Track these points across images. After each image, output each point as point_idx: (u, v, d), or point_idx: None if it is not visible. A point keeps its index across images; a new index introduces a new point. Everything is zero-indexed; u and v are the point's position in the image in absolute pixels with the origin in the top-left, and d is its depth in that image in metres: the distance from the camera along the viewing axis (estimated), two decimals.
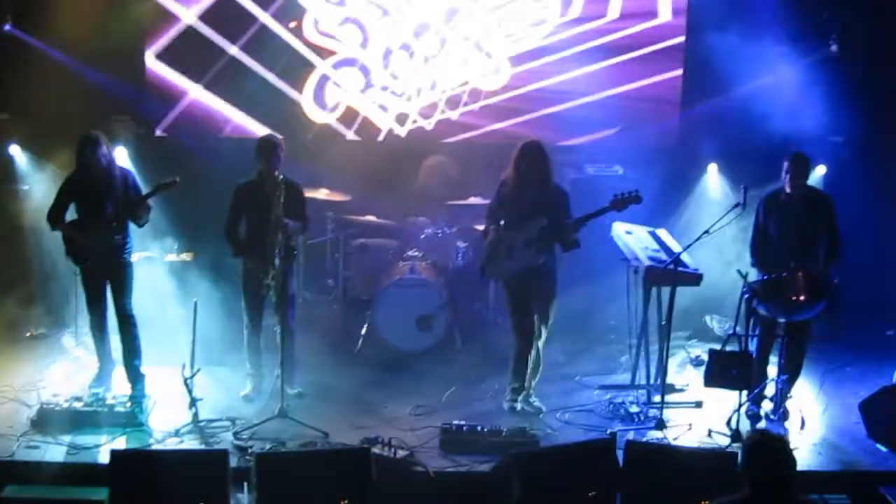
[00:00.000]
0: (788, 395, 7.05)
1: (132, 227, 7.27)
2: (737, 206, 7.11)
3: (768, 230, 7.20)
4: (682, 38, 9.40)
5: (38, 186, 8.68)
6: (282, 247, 7.01)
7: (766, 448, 4.33)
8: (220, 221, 7.31)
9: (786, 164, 7.09)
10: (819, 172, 9.13)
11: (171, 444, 6.45)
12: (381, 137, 9.61)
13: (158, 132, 9.46)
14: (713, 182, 9.48)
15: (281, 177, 7.10)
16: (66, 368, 7.90)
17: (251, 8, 9.26)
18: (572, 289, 8.85)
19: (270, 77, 9.36)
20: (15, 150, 9.03)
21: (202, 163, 9.00)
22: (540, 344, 7.28)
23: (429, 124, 9.59)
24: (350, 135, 9.59)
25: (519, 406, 7.23)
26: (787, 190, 7.10)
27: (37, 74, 8.99)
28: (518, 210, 7.10)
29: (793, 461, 4.32)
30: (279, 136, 7.28)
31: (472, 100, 9.54)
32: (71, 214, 7.25)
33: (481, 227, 7.64)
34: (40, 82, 8.95)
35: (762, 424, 6.85)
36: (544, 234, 7.03)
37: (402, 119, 9.59)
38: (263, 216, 7.07)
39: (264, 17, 9.27)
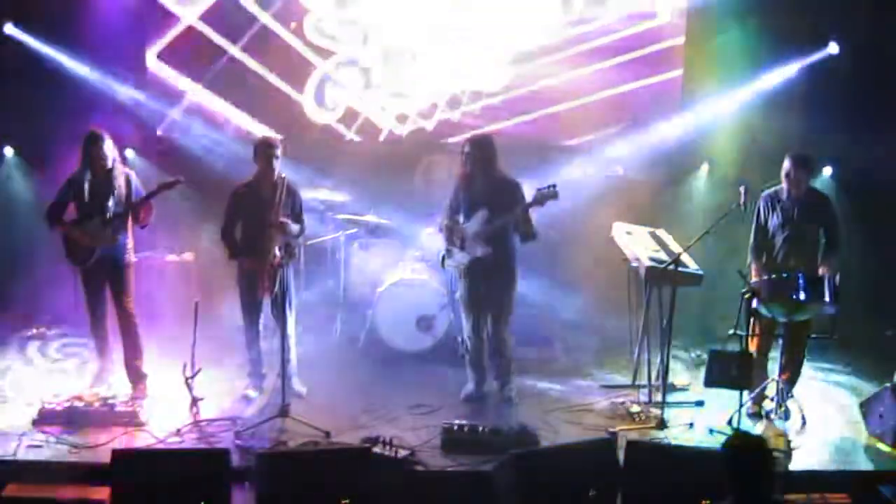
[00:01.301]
0: (789, 395, 7.05)
1: (132, 226, 7.28)
2: (737, 205, 7.12)
3: (768, 229, 7.20)
4: (681, 39, 9.41)
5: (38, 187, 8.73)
6: (281, 248, 7.02)
7: (744, 449, 4.35)
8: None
9: (786, 166, 7.07)
10: (826, 173, 9.18)
11: (173, 444, 6.45)
12: (381, 137, 9.63)
13: (160, 132, 9.47)
14: (710, 182, 9.50)
15: (281, 176, 7.11)
16: (68, 367, 7.93)
17: (252, 8, 9.28)
18: (573, 289, 8.91)
19: (270, 77, 9.38)
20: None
21: (204, 162, 9.02)
22: (504, 336, 7.37)
23: (429, 124, 9.60)
24: (350, 135, 9.61)
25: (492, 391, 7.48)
26: (789, 191, 7.10)
27: (37, 75, 9.01)
28: (469, 203, 7.32)
29: (771, 461, 4.33)
30: (276, 137, 7.26)
31: (472, 100, 9.55)
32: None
33: None
34: (40, 83, 8.98)
35: (763, 423, 6.85)
36: (486, 226, 7.19)
37: (402, 119, 9.60)
38: (260, 218, 7.08)
39: (265, 18, 9.30)
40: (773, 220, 7.17)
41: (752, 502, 4.28)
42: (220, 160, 9.08)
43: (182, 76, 9.38)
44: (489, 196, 7.21)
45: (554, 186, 6.99)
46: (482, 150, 7.22)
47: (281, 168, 7.17)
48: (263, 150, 7.14)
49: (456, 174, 7.44)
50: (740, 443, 4.46)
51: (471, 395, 7.48)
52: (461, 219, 7.38)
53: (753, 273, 7.16)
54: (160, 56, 9.34)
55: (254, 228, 7.16)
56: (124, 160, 7.55)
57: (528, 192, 7.16)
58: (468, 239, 7.28)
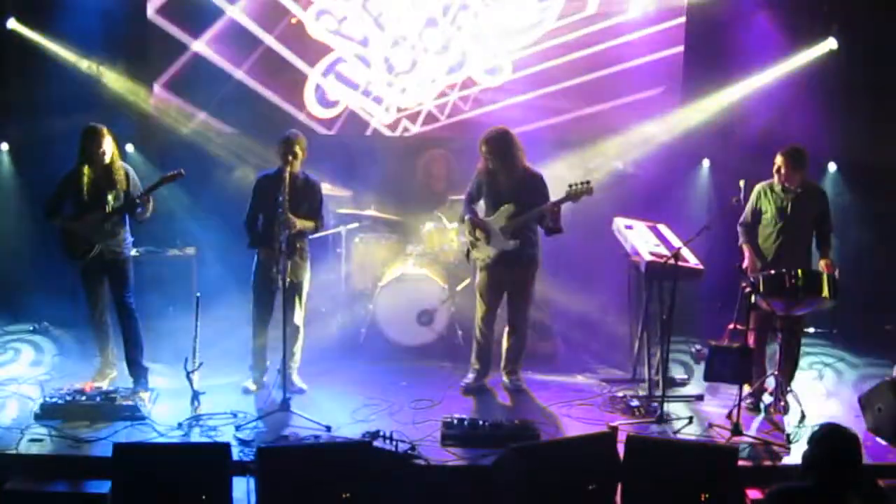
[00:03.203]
0: (788, 389, 7.06)
1: (133, 221, 7.29)
2: (737, 200, 7.14)
3: (761, 219, 7.23)
4: (682, 35, 9.40)
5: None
6: (285, 242, 7.03)
7: (836, 439, 4.36)
8: (223, 215, 7.35)
9: (779, 160, 7.08)
10: (831, 168, 9.21)
11: (174, 438, 6.45)
12: (382, 133, 9.63)
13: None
14: (711, 177, 9.51)
15: (289, 172, 7.12)
16: (70, 362, 7.95)
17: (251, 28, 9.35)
18: (574, 283, 8.91)
19: (273, 98, 9.43)
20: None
21: (205, 157, 9.04)
22: (524, 318, 7.53)
23: (430, 120, 9.60)
24: (351, 131, 9.61)
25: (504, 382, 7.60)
26: (784, 185, 7.11)
27: (39, 71, 9.02)
28: (493, 198, 7.41)
29: (861, 454, 4.35)
30: (298, 134, 7.29)
31: (472, 95, 9.56)
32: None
33: None
34: (41, 78, 8.99)
35: (761, 417, 6.87)
36: (512, 220, 7.27)
37: (403, 114, 9.60)
38: (274, 210, 7.11)
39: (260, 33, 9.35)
40: (768, 213, 7.19)
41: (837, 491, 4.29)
42: (222, 154, 9.12)
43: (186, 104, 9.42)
44: (513, 191, 7.30)
45: (588, 183, 7.10)
46: (499, 146, 7.29)
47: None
48: (282, 146, 7.19)
49: (478, 167, 7.49)
50: (833, 432, 4.43)
51: (469, 386, 7.53)
52: (484, 211, 7.51)
53: (746, 253, 7.16)
54: (166, 86, 9.37)
55: (269, 220, 7.21)
56: (123, 155, 7.54)
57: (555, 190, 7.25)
58: (494, 233, 7.35)
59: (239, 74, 9.32)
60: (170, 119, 9.30)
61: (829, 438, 4.39)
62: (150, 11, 9.23)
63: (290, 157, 7.13)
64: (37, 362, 8.01)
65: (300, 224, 7.17)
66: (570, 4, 9.36)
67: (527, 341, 7.65)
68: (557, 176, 8.62)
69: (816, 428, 4.52)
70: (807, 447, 4.43)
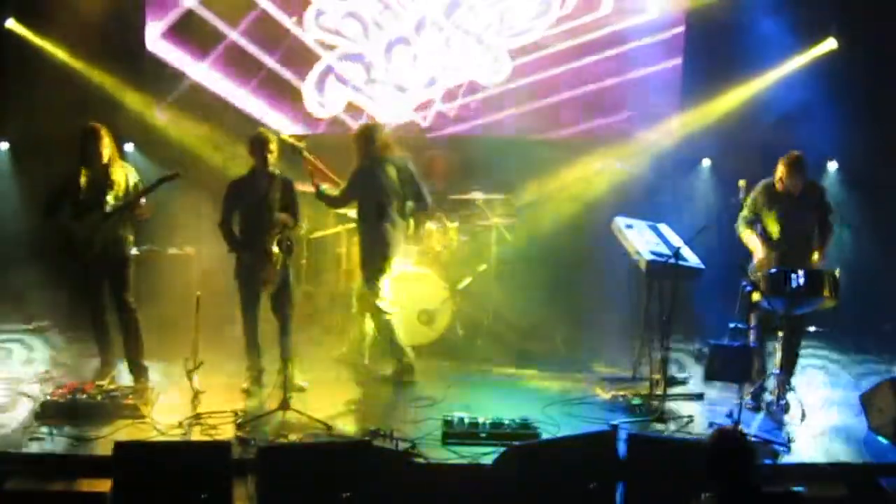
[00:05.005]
0: (788, 388, 7.06)
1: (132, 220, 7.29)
2: (737, 200, 7.14)
3: (764, 217, 7.24)
4: (681, 29, 9.41)
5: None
6: (278, 243, 7.03)
7: (725, 442, 4.47)
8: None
9: (781, 169, 7.11)
10: (831, 168, 9.22)
11: (174, 436, 6.45)
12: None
13: (159, 114, 9.47)
14: (712, 176, 9.51)
15: (276, 172, 7.16)
16: (71, 360, 7.96)
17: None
18: (574, 283, 8.92)
19: (270, 62, 9.41)
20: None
21: (205, 156, 9.05)
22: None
23: (429, 118, 9.61)
24: (351, 129, 9.61)
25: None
26: (788, 190, 7.13)
27: (38, 71, 9.02)
28: None
29: (750, 452, 4.44)
30: (272, 132, 7.29)
31: (472, 93, 9.56)
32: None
33: (484, 222, 8.42)
34: (40, 78, 8.99)
35: (761, 416, 6.88)
36: None
37: (403, 113, 9.60)
38: (256, 211, 7.12)
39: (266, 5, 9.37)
40: (773, 213, 7.20)
41: (739, 494, 4.31)
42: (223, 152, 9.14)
43: (184, 55, 9.38)
44: None
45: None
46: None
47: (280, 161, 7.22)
48: (258, 145, 7.18)
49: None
50: (721, 438, 4.54)
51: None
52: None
53: (758, 245, 7.17)
54: (161, 36, 9.34)
55: (251, 222, 7.21)
56: (123, 154, 7.54)
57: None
58: None
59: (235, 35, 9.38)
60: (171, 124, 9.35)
61: (717, 441, 4.51)
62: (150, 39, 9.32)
63: (269, 156, 7.14)
64: (37, 361, 8.00)
65: (289, 221, 7.20)
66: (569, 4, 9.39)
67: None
68: (559, 176, 8.68)
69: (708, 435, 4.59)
70: (707, 456, 4.50)
